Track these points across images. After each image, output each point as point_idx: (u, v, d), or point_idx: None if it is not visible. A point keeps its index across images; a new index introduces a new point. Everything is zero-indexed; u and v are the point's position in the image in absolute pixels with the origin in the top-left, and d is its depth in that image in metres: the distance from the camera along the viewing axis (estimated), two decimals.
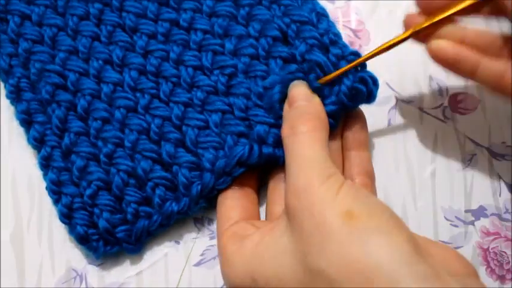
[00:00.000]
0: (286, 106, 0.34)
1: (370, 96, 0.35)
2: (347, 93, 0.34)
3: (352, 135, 0.36)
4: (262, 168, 0.36)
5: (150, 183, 0.36)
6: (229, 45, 0.38)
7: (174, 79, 0.37)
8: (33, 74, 0.38)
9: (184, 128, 0.36)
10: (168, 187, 0.36)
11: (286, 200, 0.29)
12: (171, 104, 0.37)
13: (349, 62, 0.35)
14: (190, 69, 0.37)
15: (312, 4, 0.38)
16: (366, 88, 0.34)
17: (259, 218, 0.35)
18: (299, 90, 0.34)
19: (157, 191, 0.35)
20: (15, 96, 0.38)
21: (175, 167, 0.36)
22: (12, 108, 0.39)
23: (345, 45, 0.36)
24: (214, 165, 0.35)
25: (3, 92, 0.40)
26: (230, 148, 0.35)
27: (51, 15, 0.39)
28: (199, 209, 0.36)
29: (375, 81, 0.35)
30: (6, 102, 0.39)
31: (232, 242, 0.31)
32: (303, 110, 0.33)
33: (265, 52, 0.37)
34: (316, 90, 0.34)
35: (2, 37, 0.39)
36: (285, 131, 0.32)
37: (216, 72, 0.37)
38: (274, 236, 0.29)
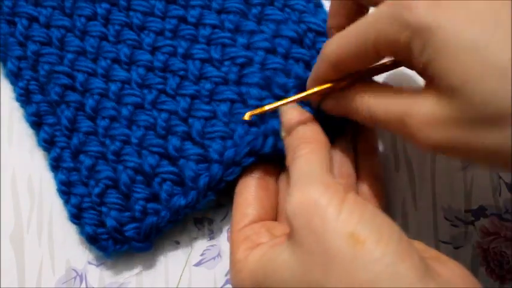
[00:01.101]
0: (283, 134, 0.33)
1: None
2: None
3: (363, 142, 0.36)
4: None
5: (157, 179, 0.35)
6: (241, 40, 0.37)
7: (181, 73, 0.37)
8: (42, 76, 0.38)
9: (190, 120, 0.36)
10: (175, 182, 0.35)
11: (286, 216, 0.28)
12: (177, 98, 0.37)
13: None
14: (197, 62, 0.37)
15: (324, 14, 0.38)
16: None
17: (276, 214, 0.35)
18: (293, 116, 0.33)
19: (165, 186, 0.35)
20: (25, 98, 0.38)
21: (182, 161, 0.35)
22: (12, 107, 0.39)
23: None
24: (222, 155, 0.35)
25: (4, 90, 0.40)
26: (241, 137, 0.35)
27: (59, 17, 0.39)
28: (207, 204, 0.36)
29: None
30: (5, 101, 0.40)
31: (243, 249, 0.30)
32: (300, 136, 0.31)
33: (285, 50, 0.37)
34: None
35: (10, 40, 0.39)
36: (288, 161, 0.31)
37: (226, 63, 0.37)
38: (277, 250, 0.28)
